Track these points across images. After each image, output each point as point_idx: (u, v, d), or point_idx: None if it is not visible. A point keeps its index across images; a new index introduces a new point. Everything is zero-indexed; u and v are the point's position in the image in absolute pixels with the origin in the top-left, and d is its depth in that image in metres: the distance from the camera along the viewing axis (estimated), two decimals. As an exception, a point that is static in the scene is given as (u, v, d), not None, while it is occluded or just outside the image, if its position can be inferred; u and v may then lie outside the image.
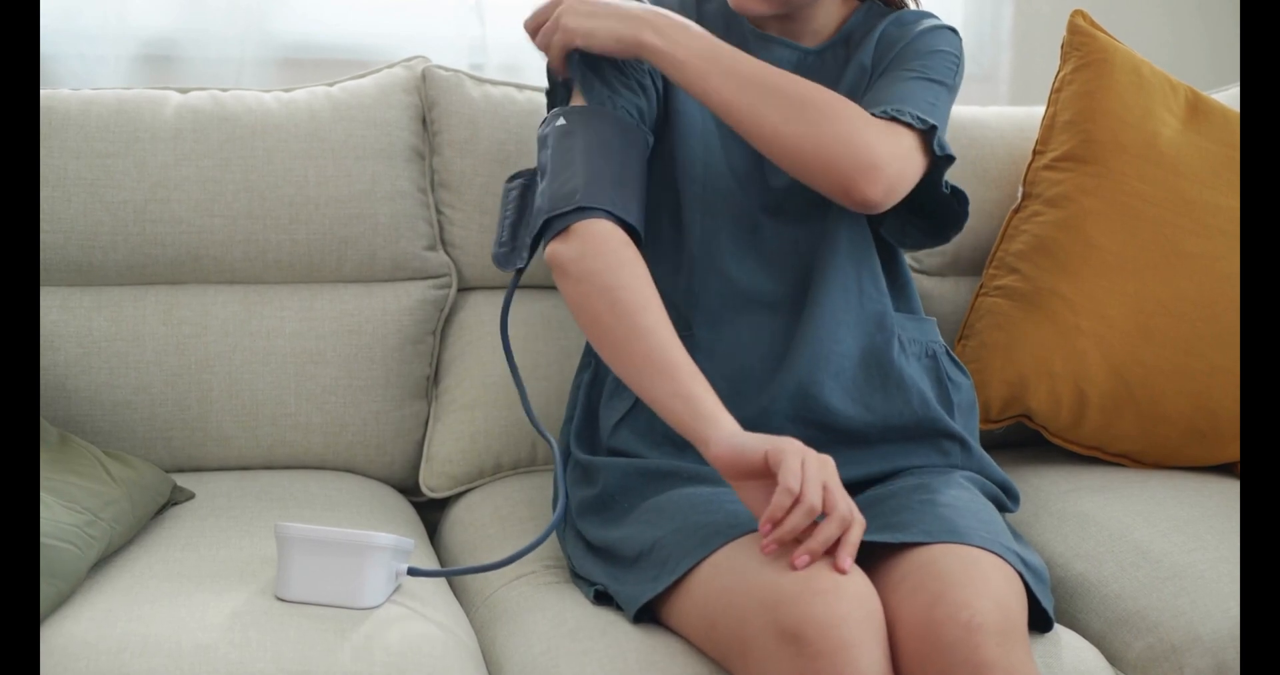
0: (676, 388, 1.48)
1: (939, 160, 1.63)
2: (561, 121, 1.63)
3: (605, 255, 1.54)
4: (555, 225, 1.57)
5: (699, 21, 1.72)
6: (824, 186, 1.58)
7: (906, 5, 1.76)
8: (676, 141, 1.69)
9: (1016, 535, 1.62)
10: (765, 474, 1.42)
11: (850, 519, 1.40)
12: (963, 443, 1.69)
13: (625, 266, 1.54)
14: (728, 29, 1.72)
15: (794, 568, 1.38)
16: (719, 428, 1.45)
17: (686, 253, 1.69)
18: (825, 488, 1.40)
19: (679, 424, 1.48)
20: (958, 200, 1.67)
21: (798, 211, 1.69)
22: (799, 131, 1.56)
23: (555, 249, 1.57)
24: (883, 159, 1.56)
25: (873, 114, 1.59)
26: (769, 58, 1.71)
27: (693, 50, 1.59)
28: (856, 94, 1.69)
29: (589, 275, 1.54)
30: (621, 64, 1.67)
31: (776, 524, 1.38)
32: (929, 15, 1.73)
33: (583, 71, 1.66)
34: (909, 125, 1.59)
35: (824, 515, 1.40)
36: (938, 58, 1.68)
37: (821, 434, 1.63)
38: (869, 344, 1.67)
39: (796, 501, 1.38)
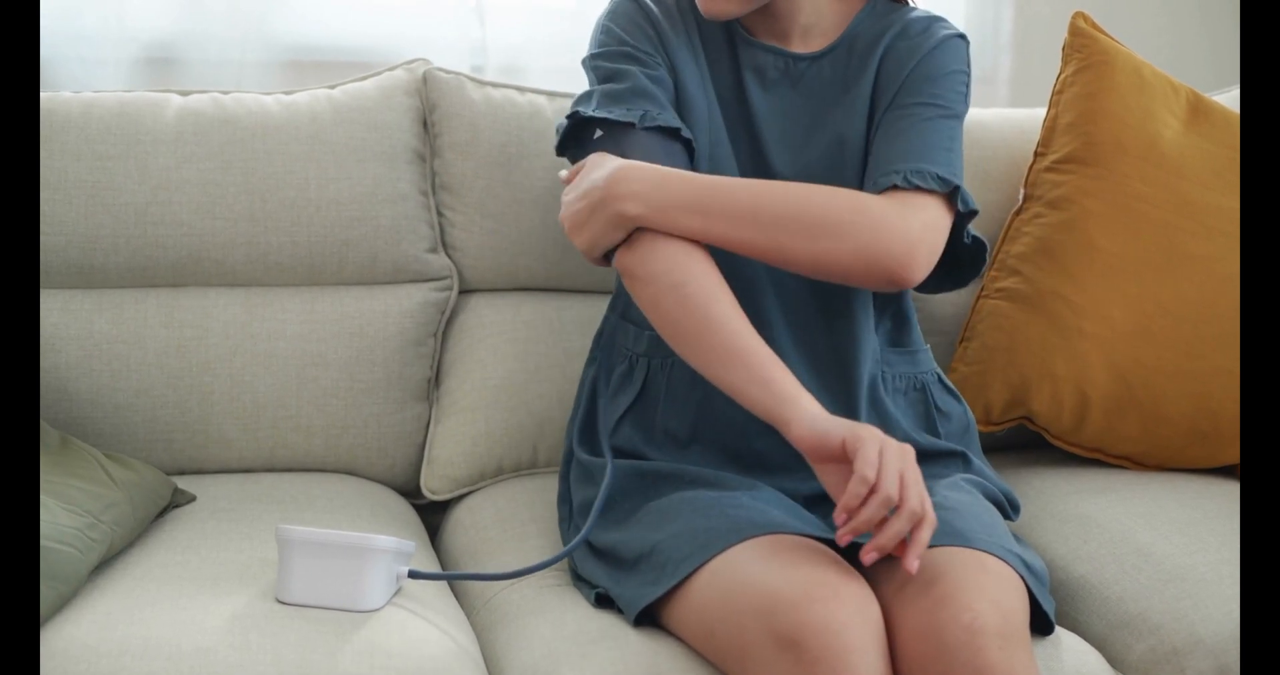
0: (752, 373, 1.49)
1: (963, 215, 1.61)
2: (599, 136, 1.62)
3: (670, 255, 1.55)
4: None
5: (700, 29, 1.68)
6: (869, 285, 1.57)
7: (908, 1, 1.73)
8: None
9: (1018, 538, 1.62)
10: (845, 459, 1.42)
11: (921, 514, 1.39)
12: (964, 457, 1.69)
13: (691, 263, 1.54)
14: (725, 32, 1.69)
15: (864, 564, 1.38)
16: (800, 409, 1.46)
17: None
18: (902, 478, 1.39)
19: (760, 408, 1.48)
20: (978, 247, 1.66)
21: None
22: (826, 247, 1.53)
23: (622, 257, 1.58)
24: (916, 244, 1.54)
25: (894, 184, 1.56)
26: (754, 64, 1.68)
27: (681, 205, 1.53)
28: (860, 105, 1.66)
29: (656, 276, 1.55)
30: (642, 59, 1.64)
31: (852, 513, 1.38)
32: (936, 20, 1.69)
33: (607, 87, 1.63)
34: (932, 191, 1.57)
35: (896, 508, 1.39)
36: (949, 81, 1.65)
37: None
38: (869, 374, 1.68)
39: (873, 491, 1.38)
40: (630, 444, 1.68)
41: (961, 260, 1.67)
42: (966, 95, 1.67)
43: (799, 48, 1.70)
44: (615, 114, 1.61)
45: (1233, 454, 1.95)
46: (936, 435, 1.71)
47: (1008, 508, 1.70)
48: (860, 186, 1.63)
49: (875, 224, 1.53)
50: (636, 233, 1.56)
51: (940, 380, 1.76)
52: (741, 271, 1.63)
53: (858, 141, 1.66)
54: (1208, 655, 1.57)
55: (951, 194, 1.59)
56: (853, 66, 1.68)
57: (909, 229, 1.54)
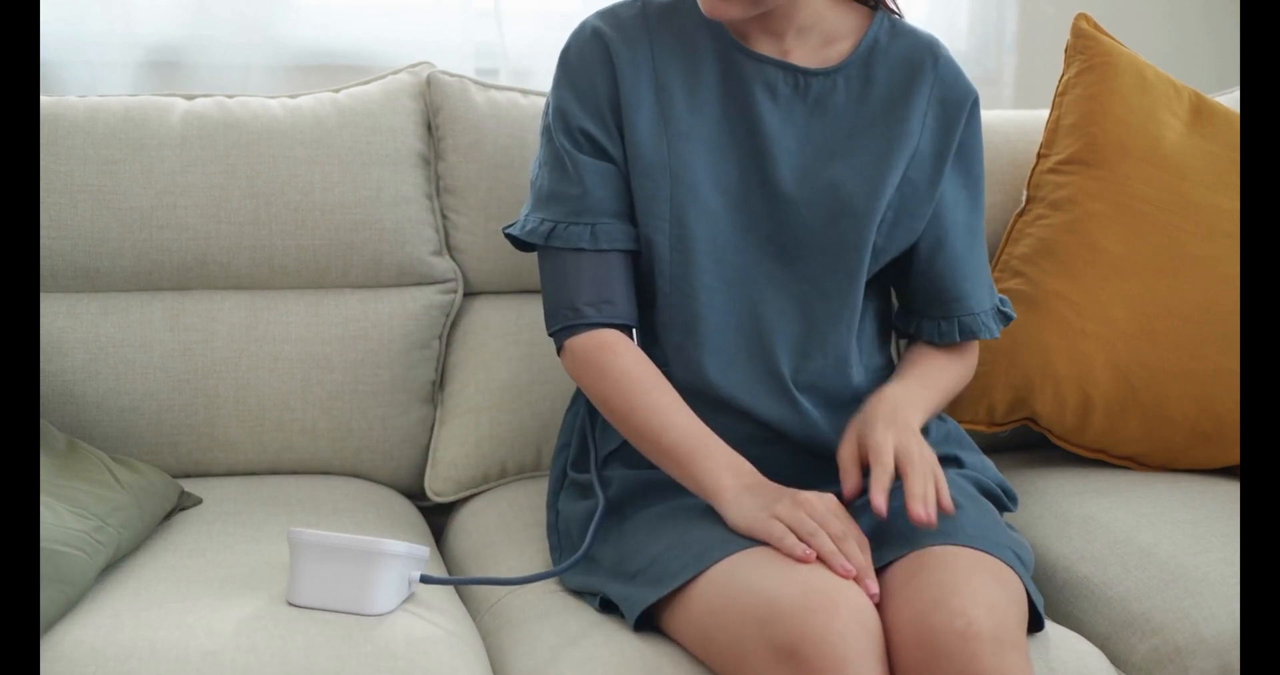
0: (683, 471, 1.56)
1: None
2: (541, 242, 1.64)
3: (598, 364, 1.61)
4: (557, 338, 1.65)
5: (689, 43, 1.64)
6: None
7: (898, 12, 1.68)
8: (673, 171, 1.63)
9: (1009, 525, 1.62)
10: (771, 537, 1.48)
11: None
12: (956, 460, 1.68)
13: (618, 360, 1.60)
14: (715, 43, 1.64)
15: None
16: (724, 503, 1.51)
17: (661, 281, 1.65)
18: (825, 530, 1.45)
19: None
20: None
21: (790, 250, 1.64)
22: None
23: (563, 357, 1.66)
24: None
25: (954, 340, 1.73)
26: (760, 78, 1.62)
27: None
28: (897, 153, 1.63)
29: (588, 379, 1.62)
30: (586, 144, 1.63)
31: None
32: (958, 72, 1.69)
33: (550, 185, 1.64)
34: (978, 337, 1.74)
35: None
36: (979, 179, 1.72)
37: (815, 460, 1.65)
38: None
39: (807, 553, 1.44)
40: (625, 466, 1.68)
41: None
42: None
43: (797, 54, 1.64)
44: (558, 242, 1.62)
45: (1237, 455, 1.95)
46: None
47: (1004, 499, 1.70)
48: (873, 224, 1.62)
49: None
50: (568, 341, 1.63)
51: None
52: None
53: (886, 189, 1.63)
54: (1211, 655, 1.57)
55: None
56: (874, 94, 1.65)
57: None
